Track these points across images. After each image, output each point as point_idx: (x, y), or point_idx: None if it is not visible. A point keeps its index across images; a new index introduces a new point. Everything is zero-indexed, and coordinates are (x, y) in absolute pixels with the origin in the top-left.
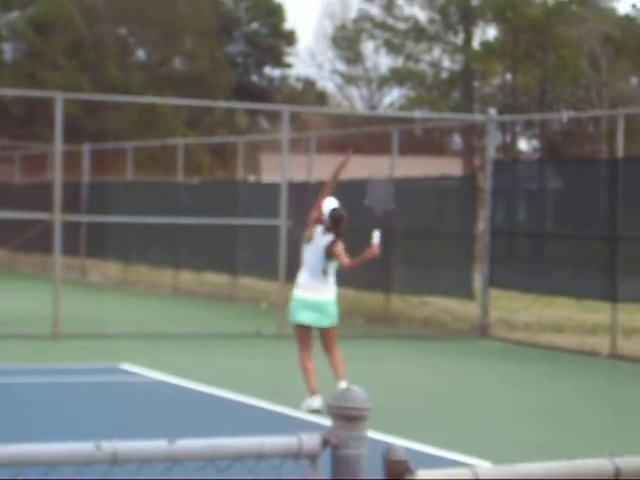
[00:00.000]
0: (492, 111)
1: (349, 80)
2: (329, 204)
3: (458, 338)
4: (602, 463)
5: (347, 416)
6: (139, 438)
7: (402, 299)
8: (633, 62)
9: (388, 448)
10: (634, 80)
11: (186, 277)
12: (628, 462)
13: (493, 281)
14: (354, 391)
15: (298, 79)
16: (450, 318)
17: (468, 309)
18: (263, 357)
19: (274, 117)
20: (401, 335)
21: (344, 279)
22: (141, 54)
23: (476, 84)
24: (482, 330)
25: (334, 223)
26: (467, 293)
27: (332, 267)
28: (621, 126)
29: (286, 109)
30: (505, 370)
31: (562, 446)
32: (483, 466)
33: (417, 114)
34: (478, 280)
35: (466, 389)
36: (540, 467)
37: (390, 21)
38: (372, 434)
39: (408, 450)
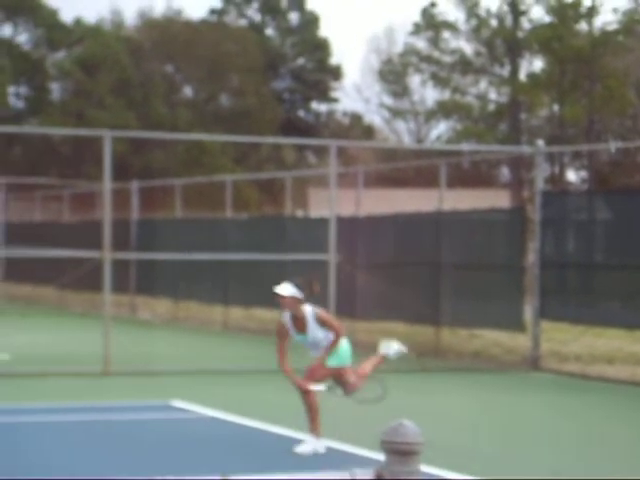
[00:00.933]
0: (540, 142)
1: (396, 114)
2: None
3: (509, 371)
4: None
5: (399, 451)
6: (193, 475)
7: (452, 332)
8: None
9: None
10: None
11: (236, 313)
12: None
13: (543, 313)
14: (406, 426)
15: (345, 114)
16: (500, 351)
17: (518, 342)
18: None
19: (321, 152)
20: (452, 368)
21: (394, 313)
22: (188, 91)
23: (523, 116)
24: (533, 362)
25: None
26: (517, 325)
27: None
28: None
29: (333, 144)
30: (557, 403)
31: None
32: None
33: (464, 147)
34: (528, 312)
35: (518, 423)
36: None
37: (436, 54)
38: (425, 468)
39: None
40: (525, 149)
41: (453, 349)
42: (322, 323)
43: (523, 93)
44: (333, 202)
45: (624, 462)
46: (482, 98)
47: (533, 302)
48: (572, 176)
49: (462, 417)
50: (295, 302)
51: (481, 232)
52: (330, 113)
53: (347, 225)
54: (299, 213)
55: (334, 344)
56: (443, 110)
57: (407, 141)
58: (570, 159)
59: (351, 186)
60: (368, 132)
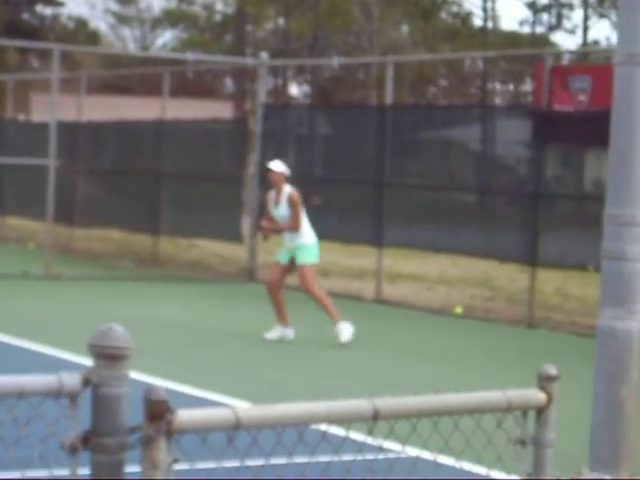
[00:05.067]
0: (264, 55)
1: (122, 20)
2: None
3: (226, 281)
4: (361, 404)
5: (108, 355)
6: None
7: (171, 242)
8: (404, 11)
9: (149, 388)
10: (404, 28)
11: None
12: (386, 403)
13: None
14: (115, 330)
15: (70, 18)
16: (218, 261)
17: (236, 253)
18: (29, 297)
19: (45, 56)
20: (169, 277)
21: (112, 220)
22: None
23: (249, 28)
24: (249, 273)
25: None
26: (235, 237)
27: None
28: (390, 73)
29: (57, 48)
30: (270, 313)
31: (327, 387)
32: (244, 407)
33: (189, 56)
34: (247, 224)
35: (232, 331)
36: (300, 407)
37: None
38: (134, 375)
39: (170, 391)
40: (249, 61)
41: (172, 258)
42: (290, 204)
43: (250, 5)
44: (55, 107)
45: (334, 369)
46: (209, 8)
47: (251, 214)
48: (295, 90)
49: (176, 325)
50: (282, 178)
51: (203, 142)
52: (55, 17)
53: (68, 131)
54: (20, 117)
55: (286, 227)
56: (169, 19)
57: (132, 49)
58: (294, 73)
59: (75, 92)
60: (93, 38)
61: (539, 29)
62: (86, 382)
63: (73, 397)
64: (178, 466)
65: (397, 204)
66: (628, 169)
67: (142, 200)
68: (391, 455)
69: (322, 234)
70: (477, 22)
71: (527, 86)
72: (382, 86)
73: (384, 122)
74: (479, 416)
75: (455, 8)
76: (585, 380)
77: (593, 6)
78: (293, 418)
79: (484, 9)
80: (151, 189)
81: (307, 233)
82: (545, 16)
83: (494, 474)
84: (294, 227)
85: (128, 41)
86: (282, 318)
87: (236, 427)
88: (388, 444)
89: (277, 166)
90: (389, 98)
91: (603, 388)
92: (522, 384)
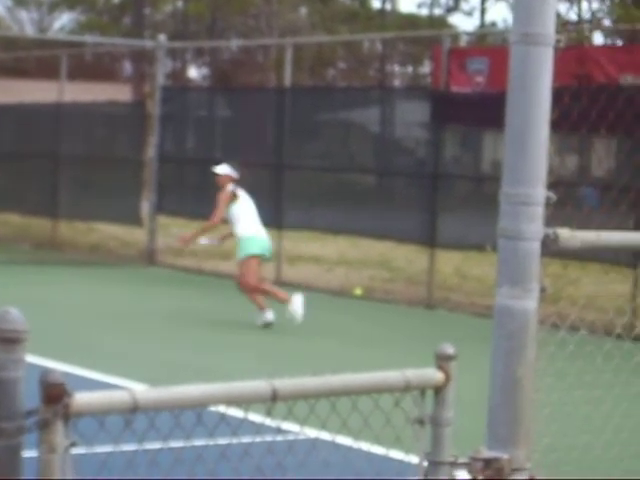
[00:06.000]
0: (162, 38)
1: (19, 3)
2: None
3: (126, 265)
4: (259, 385)
5: (4, 338)
6: None
7: (69, 225)
8: None
9: (45, 371)
10: (303, 10)
11: None
12: (285, 384)
13: (161, 208)
14: (11, 313)
15: None
16: (118, 244)
17: (136, 236)
18: None
19: None
20: (68, 261)
21: (10, 204)
22: None
23: (147, 11)
24: (149, 257)
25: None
26: (135, 220)
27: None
28: (289, 55)
29: None
30: (172, 295)
31: (225, 369)
32: (141, 389)
33: (87, 39)
34: (146, 207)
35: (129, 314)
36: (197, 389)
37: None
38: (31, 358)
39: (67, 374)
40: (147, 43)
41: (70, 242)
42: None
43: None
44: None
45: (226, 350)
46: None
47: (151, 197)
48: (194, 73)
49: (74, 309)
50: (227, 180)
51: (101, 125)
52: None
53: None
54: None
55: (202, 228)
56: (67, 1)
57: (29, 31)
58: (192, 56)
59: None
60: None
61: (437, 11)
62: None
63: None
64: (75, 450)
65: (297, 186)
66: (523, 148)
67: (41, 183)
68: (290, 436)
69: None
70: (375, 4)
71: (425, 68)
72: (281, 68)
73: (283, 104)
74: (377, 396)
75: None
76: (483, 360)
77: None
78: (191, 400)
79: None
80: (50, 172)
81: (242, 227)
82: None
83: (393, 454)
84: (208, 223)
85: (25, 24)
86: (278, 298)
87: (133, 409)
88: (287, 425)
89: (222, 169)
90: (288, 80)
91: (500, 367)
92: (421, 364)
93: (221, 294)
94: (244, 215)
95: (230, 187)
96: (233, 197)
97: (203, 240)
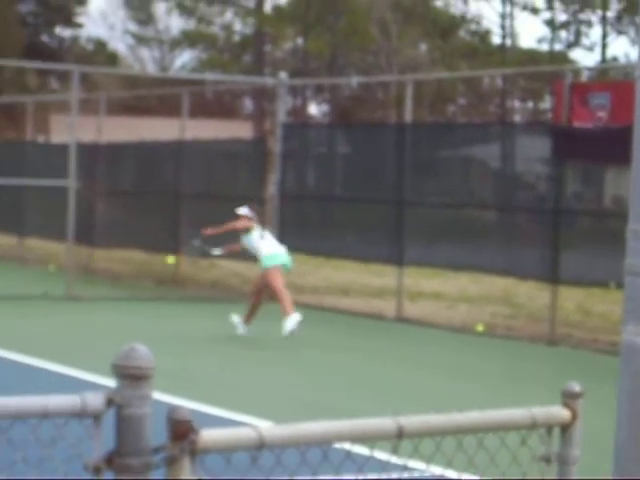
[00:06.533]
0: (283, 75)
1: (141, 41)
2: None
3: (246, 301)
4: (385, 422)
5: (131, 375)
6: None
7: (191, 261)
8: (422, 29)
9: (172, 408)
10: (423, 47)
11: None
12: (411, 421)
13: (282, 244)
14: (138, 350)
15: (89, 40)
16: (238, 281)
17: (256, 272)
18: (50, 318)
19: (65, 78)
20: (190, 298)
21: (132, 241)
22: None
23: (268, 48)
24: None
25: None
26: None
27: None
28: (409, 92)
29: (76, 69)
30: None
31: (351, 406)
32: (266, 426)
33: (208, 76)
34: None
35: (255, 352)
36: (322, 426)
37: None
38: (158, 395)
39: (193, 411)
40: (268, 81)
41: (192, 278)
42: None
43: (268, 25)
44: (74, 128)
45: (357, 387)
46: (227, 29)
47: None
48: (314, 110)
49: (199, 345)
50: (245, 219)
51: (222, 162)
52: (74, 38)
53: (88, 152)
54: (40, 139)
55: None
56: (188, 39)
57: (151, 69)
58: (313, 93)
59: (94, 113)
60: (112, 59)
61: (558, 46)
62: (109, 402)
63: (96, 417)
64: None
65: (417, 222)
66: None
67: (163, 221)
68: (416, 474)
69: (341, 252)
70: (495, 40)
71: (546, 103)
72: (401, 105)
73: (403, 140)
74: (503, 434)
75: (473, 26)
76: (608, 397)
77: (611, 23)
78: (317, 437)
79: (502, 27)
80: (171, 209)
81: (263, 247)
82: (563, 33)
83: None
84: (231, 225)
85: (147, 62)
86: (284, 308)
87: (260, 446)
88: (412, 463)
89: (242, 211)
90: (408, 117)
91: (626, 404)
92: (544, 402)
93: (341, 330)
94: (263, 240)
95: (245, 222)
96: (246, 229)
97: (216, 251)
